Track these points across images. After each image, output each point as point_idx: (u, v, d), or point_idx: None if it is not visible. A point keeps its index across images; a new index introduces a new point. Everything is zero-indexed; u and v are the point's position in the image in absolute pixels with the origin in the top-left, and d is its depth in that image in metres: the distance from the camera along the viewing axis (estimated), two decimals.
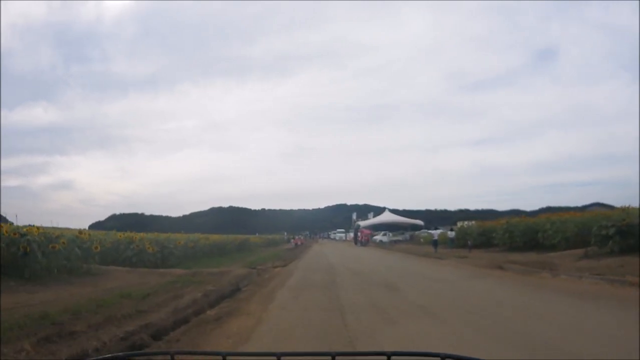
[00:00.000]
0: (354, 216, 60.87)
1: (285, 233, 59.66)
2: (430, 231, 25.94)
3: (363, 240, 33.23)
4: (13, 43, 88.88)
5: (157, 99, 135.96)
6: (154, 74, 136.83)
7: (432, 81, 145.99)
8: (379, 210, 55.11)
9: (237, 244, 24.95)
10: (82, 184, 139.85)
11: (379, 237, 39.73)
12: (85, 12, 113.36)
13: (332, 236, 67.53)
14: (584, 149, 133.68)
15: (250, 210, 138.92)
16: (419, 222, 44.67)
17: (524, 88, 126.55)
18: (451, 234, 24.00)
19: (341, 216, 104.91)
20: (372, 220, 45.77)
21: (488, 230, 22.97)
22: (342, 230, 61.66)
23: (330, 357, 0.86)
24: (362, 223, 45.55)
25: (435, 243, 23.54)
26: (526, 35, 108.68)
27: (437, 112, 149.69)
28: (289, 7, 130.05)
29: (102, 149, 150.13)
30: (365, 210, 67.67)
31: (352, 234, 50.20)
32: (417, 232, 44.03)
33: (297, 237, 44.25)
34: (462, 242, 24.43)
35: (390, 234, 39.22)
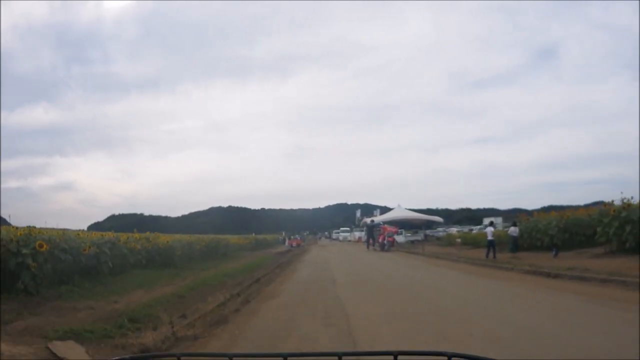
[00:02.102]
0: (358, 214, 52.12)
1: (284, 233, 50.81)
2: (485, 228, 17.14)
3: (386, 243, 20.55)
4: (14, 44, 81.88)
5: (157, 100, 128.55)
6: (154, 75, 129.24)
7: (433, 81, 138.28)
8: (383, 210, 46.18)
9: (201, 249, 16.32)
10: (83, 185, 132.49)
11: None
12: (85, 13, 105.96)
13: (334, 236, 57.12)
14: (585, 148, 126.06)
15: (249, 210, 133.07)
16: (437, 218, 35.76)
17: (525, 87, 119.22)
18: (513, 230, 15.42)
19: (342, 216, 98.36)
20: (381, 217, 36.88)
21: (579, 224, 14.44)
22: (347, 228, 50.58)
23: (337, 357, 0.80)
24: (377, 218, 36.61)
25: (491, 245, 15.00)
26: (527, 34, 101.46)
27: (437, 112, 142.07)
28: (289, 8, 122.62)
29: (102, 150, 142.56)
30: (367, 209, 58.55)
31: (358, 234, 41.16)
32: (428, 231, 35.31)
33: (293, 238, 35.66)
34: (526, 243, 15.96)
35: (405, 232, 30.61)
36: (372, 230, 23.88)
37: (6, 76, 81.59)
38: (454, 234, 33.16)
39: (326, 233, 70.12)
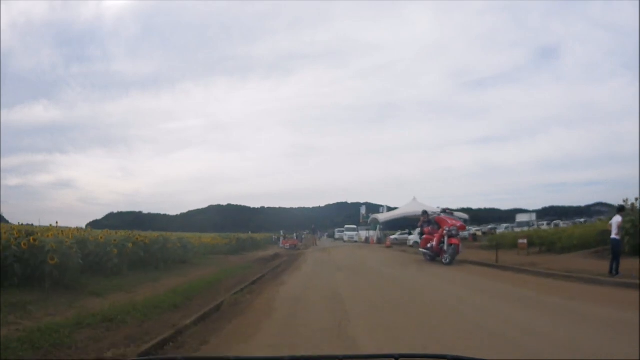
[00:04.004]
0: (363, 210, 45.15)
1: (282, 232, 44.00)
2: (614, 218, 9.97)
3: (447, 249, 11.11)
4: (13, 42, 76.00)
5: (158, 98, 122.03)
6: (155, 73, 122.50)
7: (436, 80, 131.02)
8: (389, 209, 38.72)
9: (129, 253, 9.56)
10: (83, 183, 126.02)
11: (413, 237, 24.29)
12: (86, 10, 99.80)
13: (337, 235, 48.91)
14: (587, 148, 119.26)
15: (249, 208, 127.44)
16: (462, 215, 28.93)
17: (528, 86, 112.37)
18: None
19: (342, 215, 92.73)
20: (391, 214, 30.04)
21: None
22: (353, 226, 41.40)
23: None
24: (384, 215, 29.35)
25: (617, 247, 8.29)
26: (529, 33, 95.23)
27: (440, 111, 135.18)
28: (292, 6, 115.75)
29: (103, 148, 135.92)
30: (369, 208, 51.08)
31: (364, 234, 33.93)
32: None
33: (288, 237, 28.92)
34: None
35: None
36: (424, 226, 12.72)
37: (6, 74, 75.78)
38: (479, 233, 26.38)
39: (326, 233, 63.04)
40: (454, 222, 11.53)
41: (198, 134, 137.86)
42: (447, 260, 10.99)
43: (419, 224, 13.38)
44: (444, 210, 12.33)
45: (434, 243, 11.57)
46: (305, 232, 49.08)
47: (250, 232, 48.72)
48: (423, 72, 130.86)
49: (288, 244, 23.13)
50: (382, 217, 28.85)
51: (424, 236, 12.38)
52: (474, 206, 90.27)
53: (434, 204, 31.66)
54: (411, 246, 22.64)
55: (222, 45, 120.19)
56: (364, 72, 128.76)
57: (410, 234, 29.14)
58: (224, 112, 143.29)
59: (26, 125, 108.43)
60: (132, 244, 9.91)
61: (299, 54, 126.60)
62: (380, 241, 26.92)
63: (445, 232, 11.22)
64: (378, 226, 28.06)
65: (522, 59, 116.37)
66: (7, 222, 10.31)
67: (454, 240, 11.04)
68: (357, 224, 42.58)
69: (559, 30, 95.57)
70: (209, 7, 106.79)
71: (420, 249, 12.55)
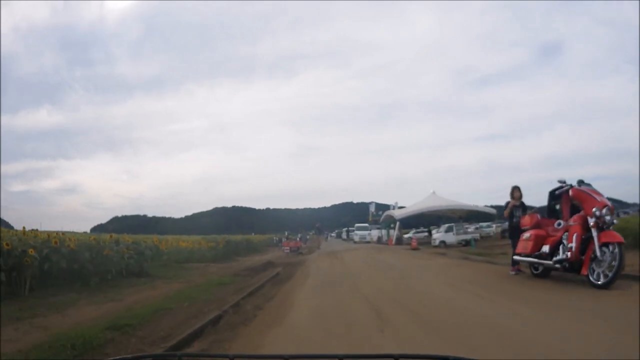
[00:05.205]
0: (372, 208, 41.27)
1: (286, 232, 40.33)
2: None
3: (604, 250, 4.69)
4: (15, 46, 74.17)
5: (162, 101, 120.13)
6: (158, 76, 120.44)
7: (438, 79, 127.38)
8: (397, 207, 34.20)
9: (24, 261, 5.86)
10: (88, 187, 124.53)
11: (439, 235, 20.23)
12: (88, 14, 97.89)
13: (343, 235, 44.48)
14: (591, 144, 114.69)
15: (254, 209, 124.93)
16: (489, 209, 24.80)
17: (531, 84, 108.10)
18: None
19: (349, 214, 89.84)
20: (409, 209, 25.90)
21: None
22: (365, 225, 36.18)
23: (337, 359, 0.73)
24: (399, 212, 25.22)
25: None
26: (532, 32, 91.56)
27: (443, 110, 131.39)
28: (294, 7, 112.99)
29: (107, 152, 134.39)
30: (379, 207, 46.94)
31: (376, 233, 30.05)
32: (469, 227, 23.98)
33: (291, 239, 25.03)
34: None
35: (455, 230, 19.69)
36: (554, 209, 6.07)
37: (9, 79, 74.01)
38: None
39: (333, 233, 59.00)
40: (603, 199, 5.13)
41: (201, 135, 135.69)
42: (603, 280, 4.73)
43: (507, 211, 7.23)
44: (581, 182, 5.57)
45: (574, 244, 5.10)
46: (310, 233, 44.95)
47: (254, 233, 45.19)
48: (424, 71, 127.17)
49: (288, 247, 19.22)
50: (398, 213, 24.85)
51: (530, 232, 6.02)
52: (480, 204, 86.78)
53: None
54: (437, 246, 18.60)
55: (223, 46, 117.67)
56: (365, 72, 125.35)
57: (429, 232, 25.19)
58: (226, 112, 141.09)
59: (30, 131, 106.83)
60: (32, 249, 6.08)
61: (300, 54, 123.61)
62: (400, 241, 22.83)
63: (594, 220, 4.97)
64: (397, 224, 23.97)
65: (524, 57, 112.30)
66: (12, 227, 9.69)
67: (613, 236, 4.81)
68: (366, 222, 38.66)
69: (560, 28, 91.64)
70: (211, 9, 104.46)
71: (516, 257, 6.29)
